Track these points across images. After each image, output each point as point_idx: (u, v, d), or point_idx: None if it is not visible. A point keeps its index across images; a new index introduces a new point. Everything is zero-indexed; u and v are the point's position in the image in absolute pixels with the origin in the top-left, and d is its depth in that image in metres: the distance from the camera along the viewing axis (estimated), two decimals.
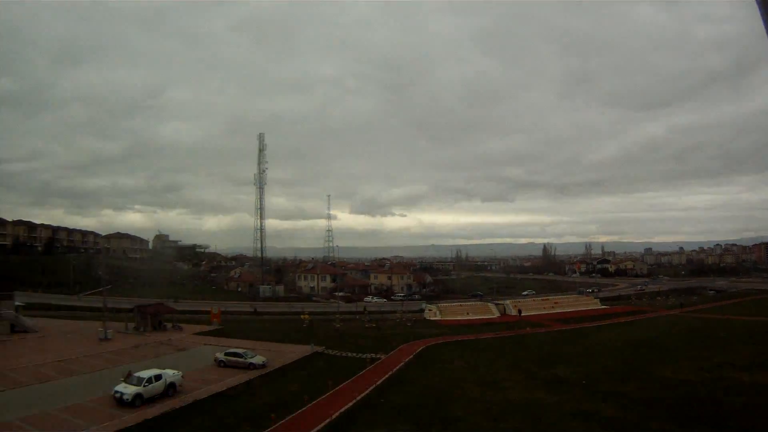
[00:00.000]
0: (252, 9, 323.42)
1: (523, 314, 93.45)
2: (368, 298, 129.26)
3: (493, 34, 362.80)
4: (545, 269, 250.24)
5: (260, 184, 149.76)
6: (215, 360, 50.65)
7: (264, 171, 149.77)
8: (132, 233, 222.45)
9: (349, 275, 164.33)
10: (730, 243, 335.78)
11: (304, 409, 35.58)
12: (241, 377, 44.97)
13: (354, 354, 57.20)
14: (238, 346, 54.85)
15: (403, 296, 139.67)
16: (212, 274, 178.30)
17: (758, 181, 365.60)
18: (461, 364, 52.67)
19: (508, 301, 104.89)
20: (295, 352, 57.86)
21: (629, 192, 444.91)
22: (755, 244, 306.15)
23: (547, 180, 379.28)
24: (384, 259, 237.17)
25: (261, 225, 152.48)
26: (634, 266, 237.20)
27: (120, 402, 35.43)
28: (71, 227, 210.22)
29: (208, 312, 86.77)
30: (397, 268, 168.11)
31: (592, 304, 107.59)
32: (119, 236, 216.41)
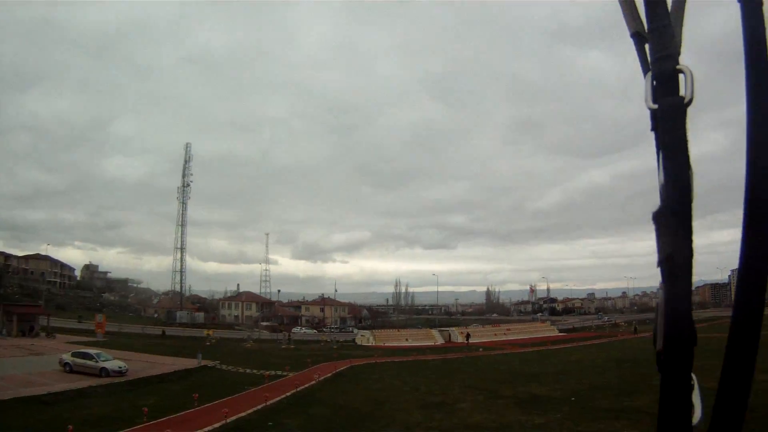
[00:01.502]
0: (202, 43, 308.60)
1: (472, 341, 79.13)
2: (296, 329, 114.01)
3: (442, 79, 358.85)
4: (489, 311, 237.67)
5: (183, 198, 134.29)
6: (60, 362, 39.70)
7: (188, 185, 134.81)
8: (57, 258, 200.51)
9: (279, 306, 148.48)
10: None
11: (134, 428, 22.99)
12: (82, 383, 33.99)
13: (254, 370, 42.29)
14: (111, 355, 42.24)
15: (337, 328, 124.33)
16: (136, 306, 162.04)
17: (700, 226, 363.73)
18: (396, 383, 38.01)
19: (453, 328, 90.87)
20: (176, 364, 45.17)
21: (572, 239, 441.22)
22: (698, 287, 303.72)
23: (490, 227, 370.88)
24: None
25: (182, 243, 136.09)
26: (582, 305, 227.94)
27: None
28: None
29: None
30: (330, 300, 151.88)
31: (549, 331, 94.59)
32: (38, 258, 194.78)
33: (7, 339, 58.93)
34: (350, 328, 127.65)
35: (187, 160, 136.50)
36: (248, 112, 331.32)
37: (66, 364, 39.21)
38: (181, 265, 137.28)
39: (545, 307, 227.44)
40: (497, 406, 29.03)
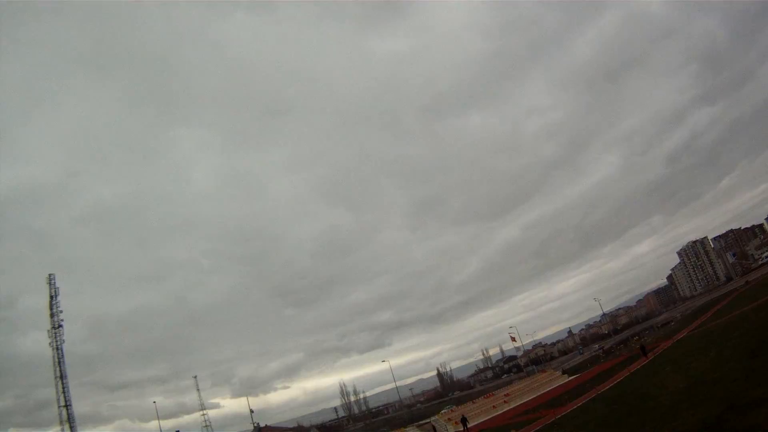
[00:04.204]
0: (93, 200, 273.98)
1: (470, 425, 54.34)
2: None
3: (334, 182, 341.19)
4: (449, 391, 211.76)
5: (57, 343, 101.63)
6: None
7: (59, 326, 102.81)
8: None
9: None
10: (614, 309, 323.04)
11: None
12: None
13: None
14: None
15: None
16: None
17: (617, 246, 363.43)
18: None
19: (435, 417, 65.75)
20: None
21: (501, 301, 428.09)
22: (639, 300, 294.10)
23: (419, 314, 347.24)
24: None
25: (66, 400, 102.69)
26: (545, 351, 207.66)
27: None
28: None
29: None
30: (268, 429, 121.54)
31: (560, 379, 70.72)
32: None
33: None
34: None
35: (53, 296, 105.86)
36: (155, 261, 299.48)
37: None
38: (70, 422, 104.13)
39: (507, 367, 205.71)
40: None
